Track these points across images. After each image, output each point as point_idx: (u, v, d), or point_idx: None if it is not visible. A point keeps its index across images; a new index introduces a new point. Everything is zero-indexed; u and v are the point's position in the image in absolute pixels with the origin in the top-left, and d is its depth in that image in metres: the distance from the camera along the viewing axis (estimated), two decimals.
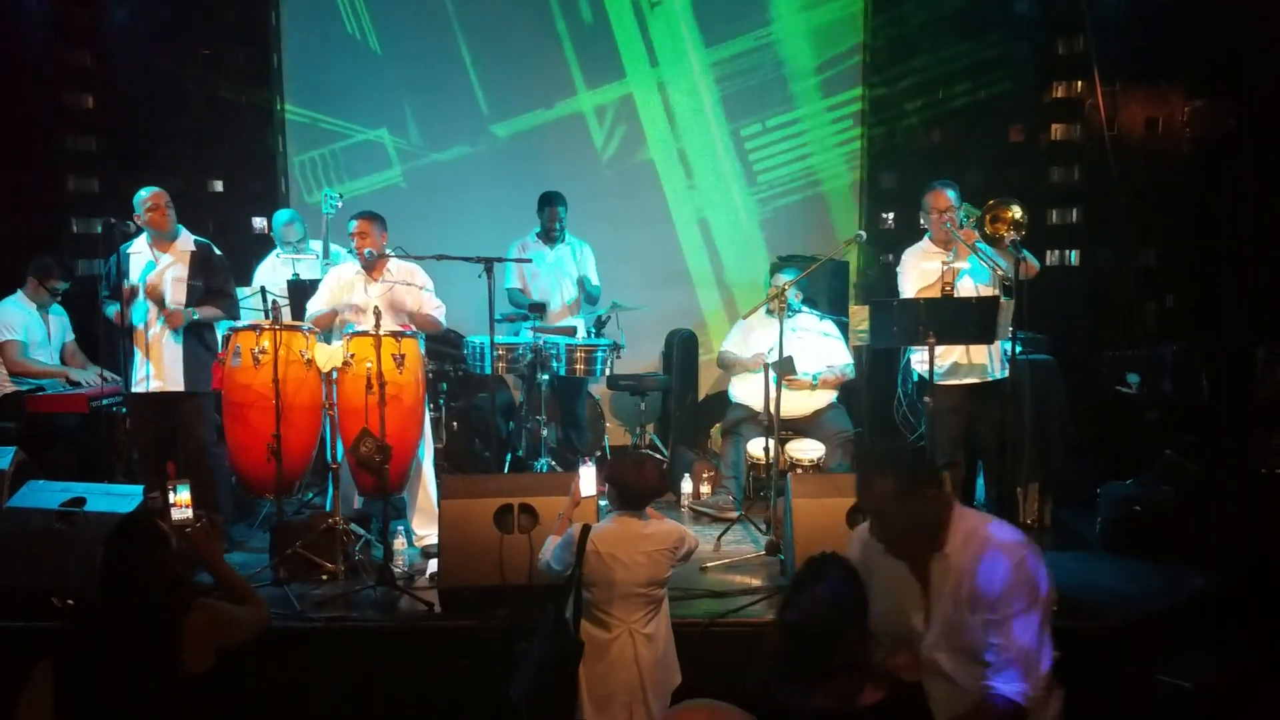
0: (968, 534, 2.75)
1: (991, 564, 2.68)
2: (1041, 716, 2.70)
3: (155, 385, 5.23)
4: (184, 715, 2.85)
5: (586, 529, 3.42)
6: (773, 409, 5.17)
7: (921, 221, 5.23)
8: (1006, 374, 4.91)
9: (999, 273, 4.91)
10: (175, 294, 5.26)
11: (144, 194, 5.28)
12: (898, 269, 5.33)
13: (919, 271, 5.15)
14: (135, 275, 5.24)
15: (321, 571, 4.68)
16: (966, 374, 5.14)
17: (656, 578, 3.42)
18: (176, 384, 5.25)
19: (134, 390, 5.24)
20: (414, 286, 5.25)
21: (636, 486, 3.48)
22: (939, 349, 5.04)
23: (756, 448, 5.64)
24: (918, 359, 5.25)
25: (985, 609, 2.67)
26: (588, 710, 3.35)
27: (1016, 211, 4.76)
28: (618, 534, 3.43)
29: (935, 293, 4.98)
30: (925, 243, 5.26)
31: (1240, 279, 6.20)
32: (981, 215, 4.84)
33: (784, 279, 5.55)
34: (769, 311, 5.37)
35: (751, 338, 5.89)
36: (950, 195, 5.09)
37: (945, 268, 4.99)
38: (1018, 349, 4.83)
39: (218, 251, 5.49)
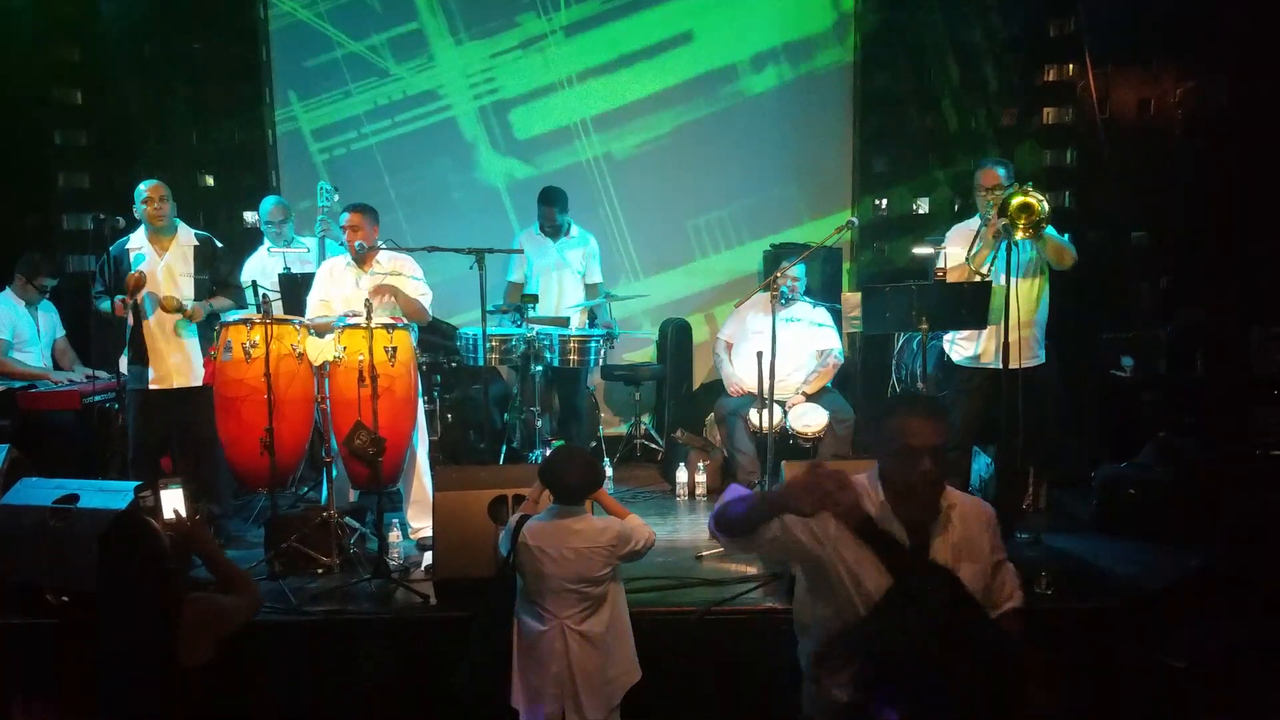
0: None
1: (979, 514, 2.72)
2: None
3: (179, 381, 5.27)
4: (182, 710, 2.85)
5: (523, 520, 3.48)
6: (767, 394, 5.17)
7: (975, 198, 5.19)
8: (1041, 359, 5.00)
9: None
10: (181, 289, 5.28)
11: (144, 186, 5.29)
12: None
13: (949, 256, 5.12)
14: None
15: (317, 565, 4.68)
16: (995, 359, 5.08)
17: (587, 575, 3.41)
18: (195, 379, 5.29)
19: (150, 388, 5.24)
20: (403, 277, 5.24)
21: (565, 481, 3.48)
22: (966, 332, 5.07)
23: (755, 416, 5.57)
24: (947, 339, 5.24)
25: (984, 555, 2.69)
26: (519, 698, 3.41)
27: (1042, 206, 4.62)
28: (547, 528, 3.45)
29: (962, 275, 4.96)
30: (974, 221, 5.22)
31: (1234, 258, 6.19)
32: (1004, 201, 4.70)
33: (786, 265, 5.55)
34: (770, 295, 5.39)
35: (748, 325, 5.87)
36: (999, 173, 5.04)
37: (939, 251, 4.97)
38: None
39: (219, 243, 5.50)
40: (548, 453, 3.88)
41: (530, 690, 3.40)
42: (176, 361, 5.27)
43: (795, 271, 5.67)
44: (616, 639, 3.49)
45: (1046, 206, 4.66)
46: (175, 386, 5.28)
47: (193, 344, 5.31)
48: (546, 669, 3.37)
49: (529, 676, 3.41)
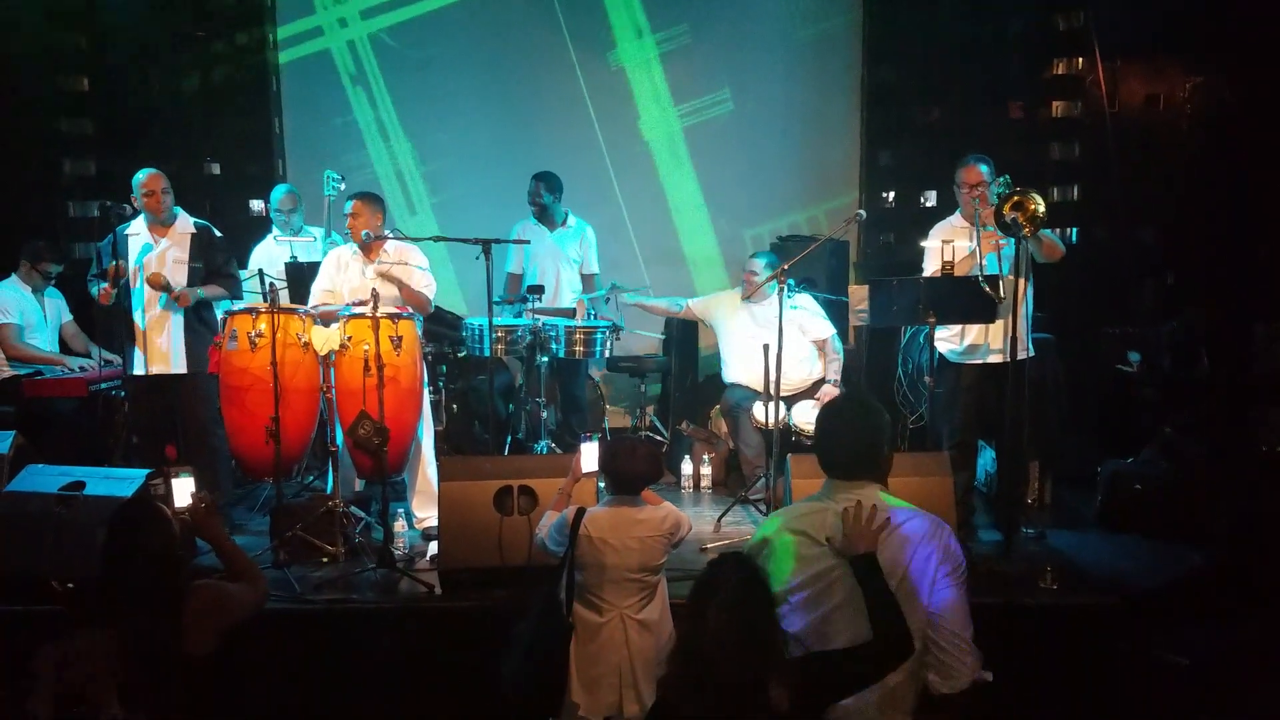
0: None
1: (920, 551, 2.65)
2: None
3: (156, 368, 5.25)
4: (186, 699, 2.86)
5: (581, 512, 3.43)
6: (772, 389, 5.16)
7: (956, 195, 5.17)
8: (1030, 353, 4.94)
9: (989, 248, 4.85)
10: (175, 276, 5.27)
11: (141, 177, 5.27)
12: (924, 244, 5.29)
13: (937, 252, 5.05)
14: (133, 257, 5.24)
15: (321, 554, 4.69)
16: (988, 353, 5.06)
17: (649, 563, 3.42)
18: (178, 366, 5.26)
19: (133, 373, 5.24)
20: (409, 266, 5.23)
21: (628, 472, 3.48)
22: (956, 326, 5.04)
23: (759, 411, 5.57)
24: (939, 335, 5.17)
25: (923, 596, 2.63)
26: (576, 691, 3.38)
27: (1039, 206, 4.58)
28: (610, 519, 3.43)
29: (967, 268, 4.93)
30: (955, 218, 5.21)
31: (1240, 256, 6.18)
32: (1001, 201, 4.68)
33: (759, 263, 5.57)
34: (745, 298, 5.43)
35: (734, 322, 5.87)
36: (982, 170, 5.01)
37: (944, 245, 4.95)
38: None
39: (218, 233, 5.49)
40: (596, 443, 3.86)
41: (586, 681, 3.38)
42: (160, 348, 5.25)
43: (758, 264, 5.68)
44: (664, 624, 3.50)
45: (1043, 206, 4.62)
46: (157, 373, 5.26)
47: (177, 332, 5.27)
48: (607, 660, 3.35)
49: (587, 669, 3.38)
